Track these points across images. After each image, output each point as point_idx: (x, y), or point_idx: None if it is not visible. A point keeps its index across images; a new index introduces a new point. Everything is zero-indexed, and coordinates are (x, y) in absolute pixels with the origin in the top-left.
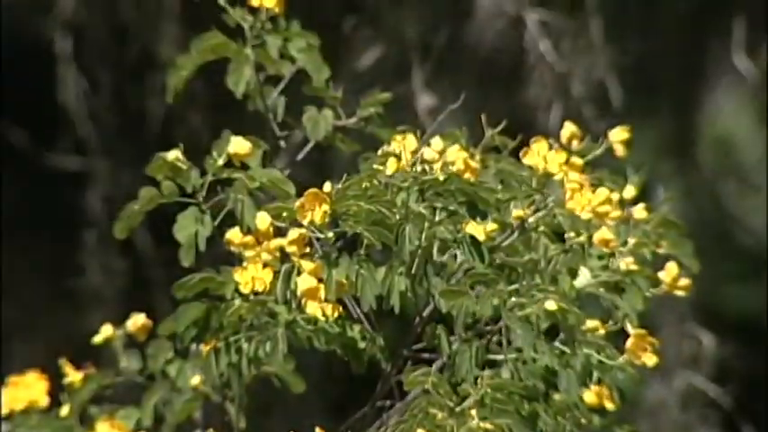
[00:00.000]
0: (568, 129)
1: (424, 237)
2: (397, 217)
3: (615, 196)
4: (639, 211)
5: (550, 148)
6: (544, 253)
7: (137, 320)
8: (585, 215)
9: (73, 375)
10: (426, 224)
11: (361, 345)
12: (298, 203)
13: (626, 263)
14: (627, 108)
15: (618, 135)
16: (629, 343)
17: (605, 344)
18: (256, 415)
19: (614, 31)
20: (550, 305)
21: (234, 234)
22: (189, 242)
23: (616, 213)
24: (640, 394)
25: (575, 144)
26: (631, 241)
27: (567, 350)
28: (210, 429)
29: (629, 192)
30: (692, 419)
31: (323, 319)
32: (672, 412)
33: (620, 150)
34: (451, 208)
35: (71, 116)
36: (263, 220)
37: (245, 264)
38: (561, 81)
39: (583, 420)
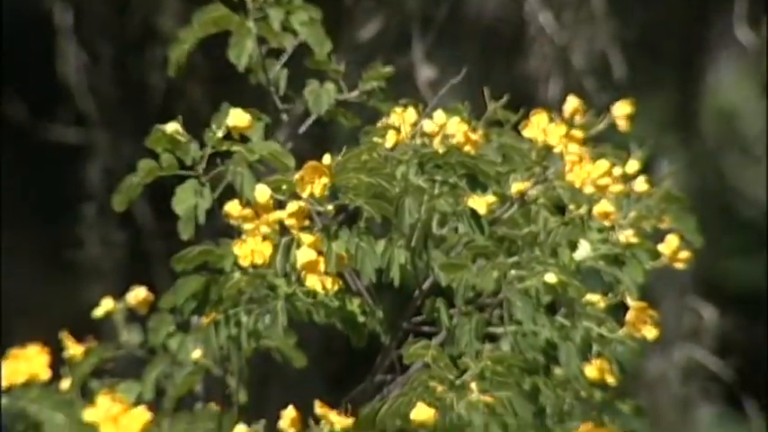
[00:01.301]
0: (571, 103)
1: (423, 210)
2: (397, 190)
3: (617, 170)
4: (641, 184)
5: (551, 120)
6: (544, 226)
7: (138, 294)
8: (585, 188)
9: (74, 349)
10: (426, 197)
11: (361, 318)
12: (297, 176)
13: (626, 236)
14: (629, 80)
15: (621, 109)
16: (629, 316)
17: (605, 317)
18: (257, 388)
19: (616, 2)
20: (550, 278)
21: (233, 207)
22: (188, 215)
23: (617, 186)
24: (641, 368)
25: (577, 118)
26: (632, 214)
27: (567, 323)
28: (211, 402)
29: (633, 166)
30: (693, 393)
31: (322, 292)
32: (672, 386)
33: (623, 125)
34: (451, 181)
35: (71, 89)
36: (262, 193)
37: (244, 237)
38: (562, 53)
39: (583, 394)
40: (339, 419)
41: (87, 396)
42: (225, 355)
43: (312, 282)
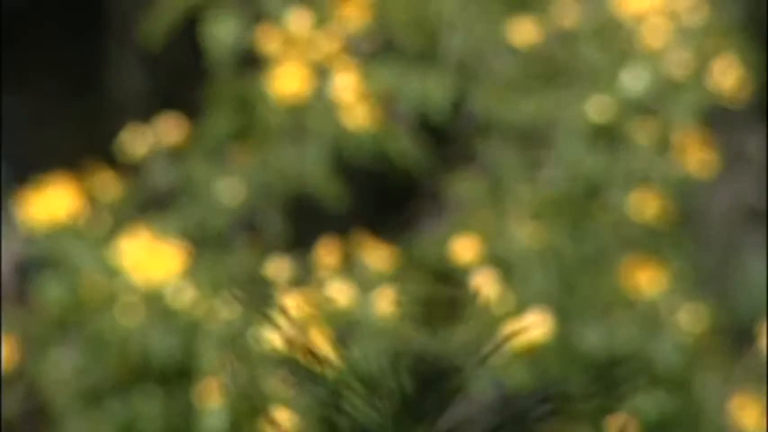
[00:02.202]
0: None
1: (463, 40)
2: (436, 20)
3: None
4: (690, 14)
5: None
6: (588, 56)
7: (168, 122)
8: (632, 17)
9: (107, 181)
10: (465, 27)
11: (401, 152)
12: (335, 6)
13: (674, 66)
14: None
15: None
16: (676, 147)
17: (652, 148)
18: (294, 224)
19: None
20: (595, 108)
21: (268, 36)
22: (220, 46)
23: (664, 15)
24: (687, 201)
25: None
26: (680, 44)
27: (612, 154)
28: (248, 238)
29: None
30: (740, 226)
31: (361, 125)
32: (719, 221)
33: None
34: (492, 10)
35: None
36: (299, 22)
37: (279, 67)
38: None
39: (627, 226)
40: (378, 250)
41: (119, 231)
42: (261, 190)
43: (351, 115)
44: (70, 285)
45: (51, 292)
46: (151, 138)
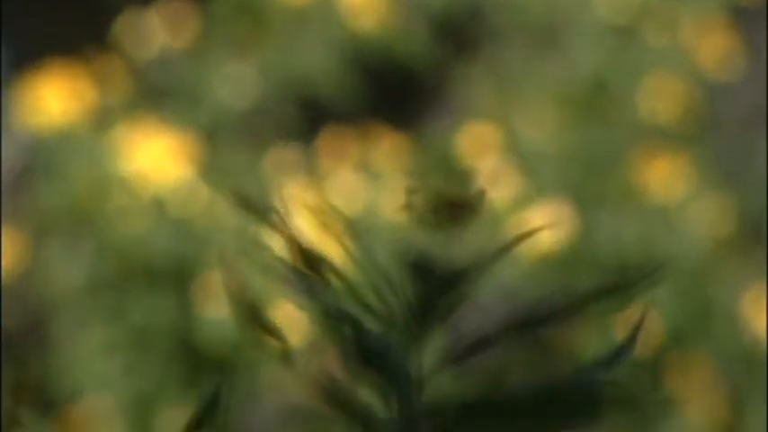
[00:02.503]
0: None
1: None
2: None
3: None
4: None
5: None
6: None
7: (173, 13)
8: None
9: (108, 70)
10: None
11: (409, 51)
12: None
13: None
14: None
15: None
16: (692, 46)
17: (667, 46)
18: (302, 118)
19: None
20: (608, 5)
21: None
22: None
23: None
24: (704, 101)
25: None
26: None
27: (627, 52)
28: (256, 133)
29: None
30: (756, 127)
31: (369, 24)
32: (736, 121)
33: None
34: None
35: None
36: None
37: None
38: None
39: (643, 126)
40: (387, 141)
41: (122, 125)
42: (269, 86)
43: (358, 13)
44: (72, 183)
45: (52, 193)
46: (152, 26)
